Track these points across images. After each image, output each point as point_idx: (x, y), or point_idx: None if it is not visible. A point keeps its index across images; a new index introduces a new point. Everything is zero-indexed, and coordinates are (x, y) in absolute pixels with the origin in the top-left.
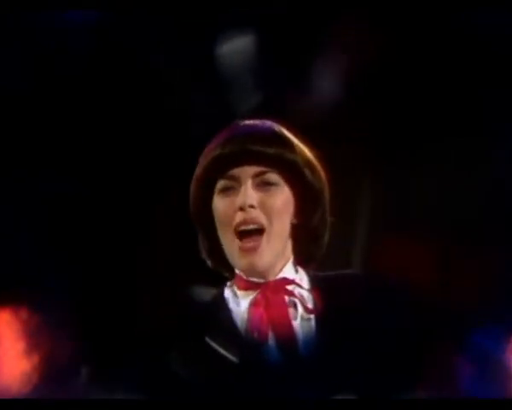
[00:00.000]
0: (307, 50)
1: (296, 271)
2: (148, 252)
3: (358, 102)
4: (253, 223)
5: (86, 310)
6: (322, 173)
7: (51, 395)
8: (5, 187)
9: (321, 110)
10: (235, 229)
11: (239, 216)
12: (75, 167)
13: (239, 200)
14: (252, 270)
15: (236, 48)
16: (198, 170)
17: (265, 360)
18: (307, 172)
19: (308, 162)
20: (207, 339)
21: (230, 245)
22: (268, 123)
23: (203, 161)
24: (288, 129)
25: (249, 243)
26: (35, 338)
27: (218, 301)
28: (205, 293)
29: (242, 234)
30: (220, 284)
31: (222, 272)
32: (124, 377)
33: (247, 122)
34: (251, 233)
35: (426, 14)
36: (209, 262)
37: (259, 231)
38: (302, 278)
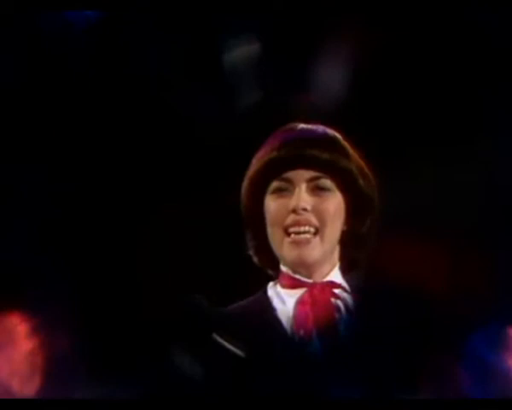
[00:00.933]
0: (308, 50)
1: (342, 276)
2: (154, 251)
3: (359, 102)
4: (305, 225)
5: (90, 310)
6: (374, 182)
7: (53, 395)
8: (5, 187)
9: (321, 110)
10: (285, 229)
11: (291, 218)
12: (76, 167)
13: (292, 202)
14: (300, 262)
15: (238, 47)
16: (252, 171)
17: (309, 358)
18: (360, 180)
19: (361, 170)
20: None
21: (280, 241)
22: (322, 128)
23: (257, 163)
24: (342, 135)
25: (300, 237)
26: (37, 339)
27: (261, 301)
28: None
29: (292, 232)
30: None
31: (267, 270)
32: (127, 377)
33: (303, 126)
34: (302, 232)
35: (426, 14)
36: (256, 259)
37: (311, 231)
38: (346, 283)
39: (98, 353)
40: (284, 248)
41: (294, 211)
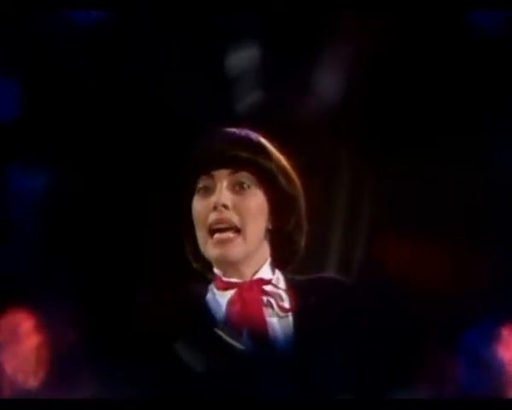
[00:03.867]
0: (306, 51)
1: (273, 272)
2: (157, 249)
3: (359, 102)
4: (226, 223)
5: (94, 308)
6: (298, 182)
7: (57, 392)
8: (7, 186)
9: (321, 110)
10: (208, 228)
11: (213, 216)
12: (77, 166)
13: (213, 199)
14: (223, 260)
15: (238, 48)
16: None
17: (240, 357)
18: (281, 179)
19: (283, 170)
20: (192, 340)
21: (205, 242)
22: (246, 131)
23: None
24: (266, 138)
25: (222, 236)
26: (41, 336)
27: (200, 304)
28: (189, 295)
29: (215, 232)
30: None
31: (205, 273)
32: (124, 376)
33: (227, 129)
34: (224, 230)
35: (426, 15)
36: (194, 264)
37: (233, 230)
38: (279, 278)
39: (102, 350)
40: (208, 248)
41: (215, 208)
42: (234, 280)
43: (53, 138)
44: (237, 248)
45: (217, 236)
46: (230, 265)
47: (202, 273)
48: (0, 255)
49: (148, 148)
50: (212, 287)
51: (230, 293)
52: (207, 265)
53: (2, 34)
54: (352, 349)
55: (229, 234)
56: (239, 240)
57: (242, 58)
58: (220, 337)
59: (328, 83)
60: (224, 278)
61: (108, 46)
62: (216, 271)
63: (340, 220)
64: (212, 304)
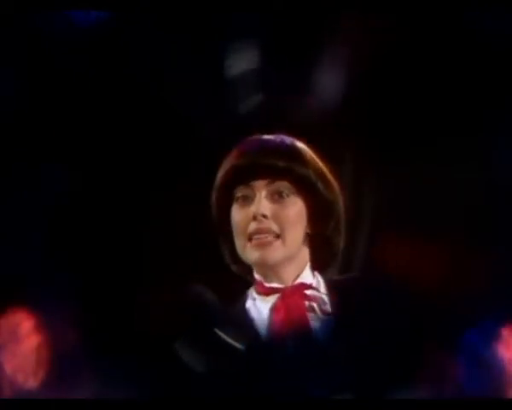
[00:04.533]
0: (306, 51)
1: (313, 276)
2: (156, 249)
3: (359, 102)
4: (266, 233)
5: (94, 308)
6: (336, 186)
7: (56, 392)
8: (7, 186)
9: (321, 110)
10: (248, 237)
11: (253, 226)
12: (77, 167)
13: (252, 209)
14: (262, 263)
15: (238, 48)
16: (217, 180)
17: (287, 364)
18: (319, 184)
19: (321, 175)
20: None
21: (244, 247)
22: (280, 137)
23: (221, 172)
24: (303, 142)
25: (261, 239)
26: (41, 336)
27: (240, 312)
28: (226, 303)
29: (255, 240)
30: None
31: (245, 277)
32: (124, 376)
33: (261, 136)
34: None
35: (426, 15)
36: (233, 268)
37: (272, 234)
38: (319, 281)
39: (102, 350)
40: (247, 252)
41: (255, 217)
42: (275, 285)
43: (53, 138)
44: (276, 252)
45: (255, 239)
46: (270, 268)
47: (242, 276)
48: (0, 255)
49: (147, 148)
50: (252, 292)
51: (272, 299)
52: (247, 269)
53: (2, 34)
54: (352, 349)
55: (269, 238)
56: (278, 243)
57: (242, 58)
58: (220, 337)
59: (328, 83)
60: (266, 284)
61: (108, 46)
62: (256, 276)
63: None
64: (252, 310)
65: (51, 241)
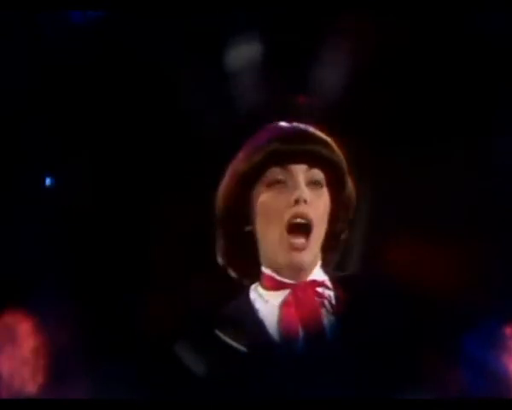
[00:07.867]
0: (306, 49)
1: (324, 273)
2: (156, 250)
3: (359, 102)
4: (305, 217)
5: (92, 309)
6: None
7: (54, 393)
8: (6, 187)
9: (321, 110)
10: (288, 222)
11: (293, 210)
12: (77, 167)
13: (295, 194)
14: (296, 267)
15: (238, 47)
16: (241, 165)
17: (296, 358)
18: (347, 177)
19: (349, 171)
20: (233, 342)
21: (278, 239)
22: (311, 126)
23: (253, 155)
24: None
25: (300, 240)
26: (39, 338)
27: (243, 304)
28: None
29: (293, 228)
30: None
31: (242, 280)
32: (124, 376)
33: (293, 123)
34: (301, 229)
35: (428, 12)
36: (231, 269)
37: (308, 228)
38: (327, 279)
39: (100, 351)
40: (281, 251)
41: (297, 202)
42: (287, 281)
43: (52, 138)
44: (308, 254)
45: (295, 240)
46: (301, 270)
47: (238, 280)
48: None
49: (147, 147)
50: (258, 288)
51: (281, 295)
52: (249, 270)
53: (2, 34)
54: (352, 349)
55: (306, 236)
56: (312, 242)
57: (242, 57)
58: (220, 338)
59: (328, 82)
60: (278, 277)
61: (108, 46)
62: (267, 271)
63: None
64: (258, 304)
65: (48, 242)
